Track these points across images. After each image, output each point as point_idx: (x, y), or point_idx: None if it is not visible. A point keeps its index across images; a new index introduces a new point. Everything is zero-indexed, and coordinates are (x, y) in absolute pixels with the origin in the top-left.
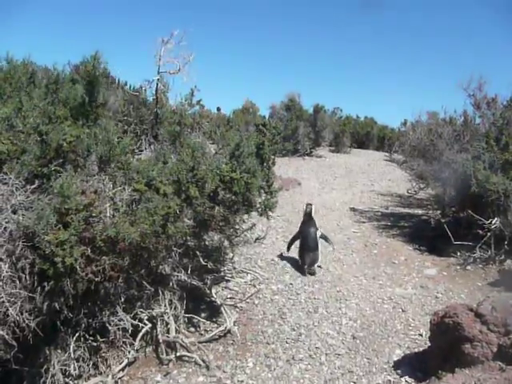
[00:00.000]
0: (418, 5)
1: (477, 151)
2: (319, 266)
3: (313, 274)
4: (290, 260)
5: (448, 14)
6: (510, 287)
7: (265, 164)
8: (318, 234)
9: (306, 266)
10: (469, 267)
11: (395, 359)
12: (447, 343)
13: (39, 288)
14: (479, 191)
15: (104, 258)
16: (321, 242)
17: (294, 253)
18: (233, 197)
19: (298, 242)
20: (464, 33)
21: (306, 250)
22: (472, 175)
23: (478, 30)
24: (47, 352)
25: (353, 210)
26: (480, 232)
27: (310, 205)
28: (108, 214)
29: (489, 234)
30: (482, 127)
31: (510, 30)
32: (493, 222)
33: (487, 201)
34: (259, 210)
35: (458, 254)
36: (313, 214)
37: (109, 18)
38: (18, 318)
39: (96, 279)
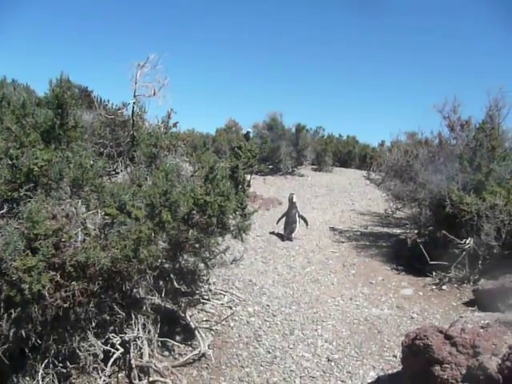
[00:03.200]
0: (399, 23)
1: (451, 172)
2: (292, 239)
3: (290, 240)
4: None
5: (428, 33)
6: (483, 307)
7: (239, 186)
8: (297, 214)
9: (285, 234)
10: (444, 287)
11: (369, 381)
12: (419, 365)
13: (5, 315)
14: (454, 211)
15: (74, 283)
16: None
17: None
18: (207, 219)
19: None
20: (443, 52)
21: (287, 223)
22: (446, 196)
23: (458, 49)
24: (14, 379)
25: (332, 229)
26: (455, 251)
27: (293, 193)
28: (79, 239)
29: (463, 253)
30: (456, 149)
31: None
32: (467, 242)
33: (461, 221)
34: (233, 232)
35: (434, 273)
36: (294, 200)
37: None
38: None
39: (65, 305)
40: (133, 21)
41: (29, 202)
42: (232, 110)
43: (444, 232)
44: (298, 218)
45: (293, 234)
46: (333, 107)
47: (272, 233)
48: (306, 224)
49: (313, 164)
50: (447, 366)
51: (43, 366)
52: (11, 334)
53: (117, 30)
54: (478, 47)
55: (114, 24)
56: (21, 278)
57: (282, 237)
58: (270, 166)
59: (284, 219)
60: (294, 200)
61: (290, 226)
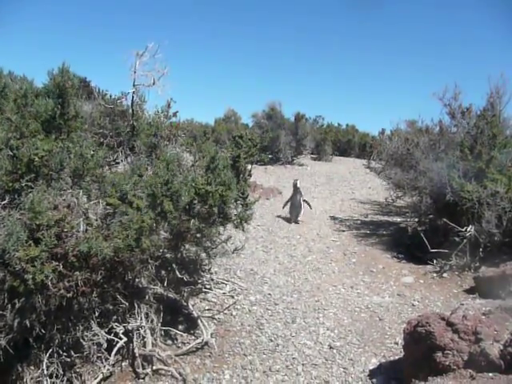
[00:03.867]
0: (399, 13)
1: (452, 160)
2: (298, 222)
3: (297, 223)
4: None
5: (427, 22)
6: (484, 294)
7: (241, 176)
8: (302, 199)
9: (293, 218)
10: (445, 274)
11: (371, 368)
12: (420, 352)
13: (9, 305)
14: (454, 199)
15: (76, 273)
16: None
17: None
18: (208, 209)
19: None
20: (443, 41)
21: (293, 208)
22: (447, 184)
23: (458, 38)
24: (20, 369)
25: (333, 218)
26: (456, 239)
27: (297, 179)
28: (81, 229)
29: (464, 241)
30: (457, 136)
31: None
32: (468, 230)
33: (462, 209)
34: (235, 222)
35: (435, 261)
36: (298, 186)
37: (89, 25)
38: None
39: (68, 295)
40: (131, 11)
41: (30, 192)
42: (231, 100)
43: (445, 220)
44: (302, 203)
45: (298, 218)
46: (332, 96)
47: (279, 216)
48: (310, 207)
49: (312, 153)
50: (449, 352)
51: (47, 355)
52: (15, 323)
53: (115, 20)
54: (478, 36)
55: (112, 14)
56: (24, 269)
57: (288, 220)
58: (270, 156)
59: (289, 204)
60: (298, 186)
61: (295, 209)
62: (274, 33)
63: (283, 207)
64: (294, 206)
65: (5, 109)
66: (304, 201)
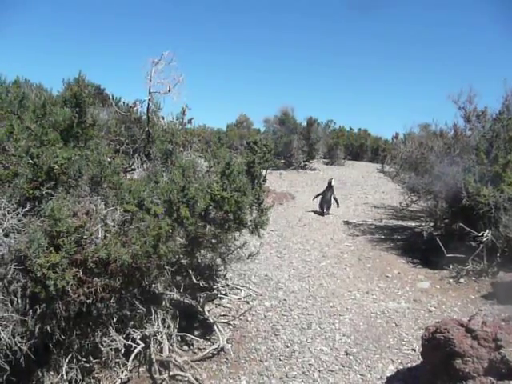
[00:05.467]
0: (409, 15)
1: (467, 164)
2: (328, 214)
3: (328, 214)
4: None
5: (440, 24)
6: (502, 300)
7: (256, 181)
8: (333, 196)
9: (325, 210)
10: (462, 280)
11: (388, 375)
12: (439, 359)
13: (31, 311)
14: (470, 204)
15: (96, 279)
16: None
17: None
18: (224, 215)
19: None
20: (457, 44)
21: (323, 201)
22: (463, 188)
23: (471, 41)
24: (40, 374)
25: (346, 223)
26: (472, 244)
27: (331, 178)
28: (100, 236)
29: (481, 246)
30: (472, 140)
31: (504, 41)
32: (484, 234)
33: (478, 213)
34: (250, 227)
35: (451, 266)
36: (333, 184)
37: (104, 33)
38: (9, 342)
39: (88, 301)
40: (144, 18)
41: (50, 199)
42: (243, 105)
43: (461, 224)
44: (332, 199)
45: (329, 211)
46: (344, 101)
47: (308, 211)
48: (338, 204)
49: (324, 158)
50: (468, 359)
51: (67, 360)
52: (36, 329)
53: (128, 27)
54: (492, 38)
55: (126, 21)
56: (45, 275)
57: (319, 213)
58: (282, 161)
59: (320, 197)
60: (333, 184)
61: (325, 203)
62: (286, 37)
63: (313, 199)
64: (325, 200)
65: (24, 118)
66: (334, 198)
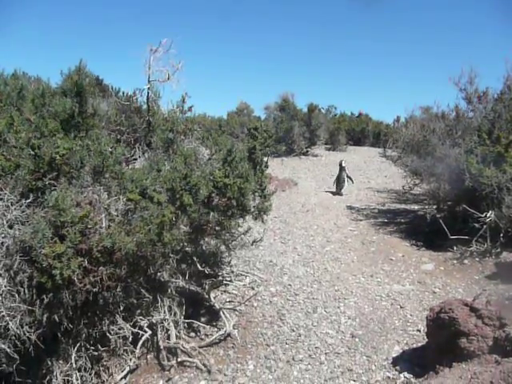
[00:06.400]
0: (411, 1)
1: (469, 145)
2: (342, 194)
3: (341, 195)
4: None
5: (440, 8)
6: (506, 280)
7: (257, 168)
8: (346, 175)
9: (337, 190)
10: (466, 261)
11: (394, 356)
12: (444, 338)
13: (38, 301)
14: (473, 185)
15: (101, 268)
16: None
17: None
18: (227, 202)
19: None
20: (456, 26)
21: (338, 182)
22: (465, 169)
23: (471, 22)
24: (49, 363)
25: (350, 208)
26: (476, 225)
27: (342, 160)
28: (104, 225)
29: (484, 227)
30: (474, 121)
31: (503, 22)
32: (487, 215)
33: (481, 194)
34: (254, 213)
35: (455, 248)
36: (344, 165)
37: (102, 23)
38: (18, 332)
39: (94, 290)
40: (142, 6)
41: (53, 190)
42: (243, 93)
43: (464, 206)
44: (346, 179)
45: (342, 191)
46: (344, 86)
47: (323, 191)
48: (352, 182)
49: (326, 143)
50: (473, 338)
51: (75, 349)
52: (44, 318)
53: (126, 17)
54: (493, 20)
55: (123, 11)
56: (51, 265)
57: (333, 193)
58: (284, 147)
59: (335, 179)
60: (344, 165)
61: (340, 184)
62: (285, 25)
63: (333, 184)
64: (340, 181)
65: (23, 110)
66: (348, 177)
